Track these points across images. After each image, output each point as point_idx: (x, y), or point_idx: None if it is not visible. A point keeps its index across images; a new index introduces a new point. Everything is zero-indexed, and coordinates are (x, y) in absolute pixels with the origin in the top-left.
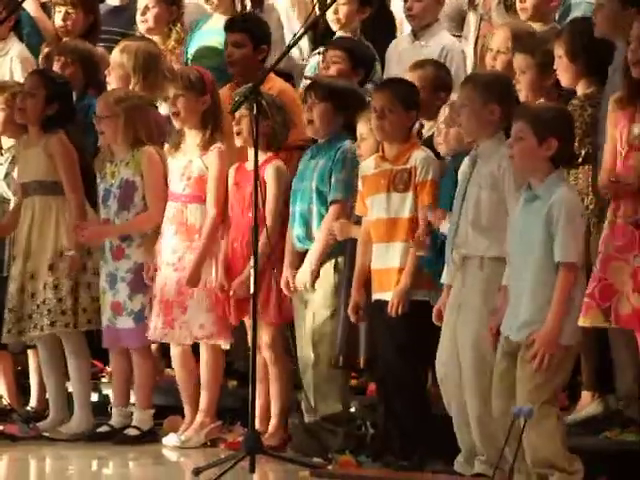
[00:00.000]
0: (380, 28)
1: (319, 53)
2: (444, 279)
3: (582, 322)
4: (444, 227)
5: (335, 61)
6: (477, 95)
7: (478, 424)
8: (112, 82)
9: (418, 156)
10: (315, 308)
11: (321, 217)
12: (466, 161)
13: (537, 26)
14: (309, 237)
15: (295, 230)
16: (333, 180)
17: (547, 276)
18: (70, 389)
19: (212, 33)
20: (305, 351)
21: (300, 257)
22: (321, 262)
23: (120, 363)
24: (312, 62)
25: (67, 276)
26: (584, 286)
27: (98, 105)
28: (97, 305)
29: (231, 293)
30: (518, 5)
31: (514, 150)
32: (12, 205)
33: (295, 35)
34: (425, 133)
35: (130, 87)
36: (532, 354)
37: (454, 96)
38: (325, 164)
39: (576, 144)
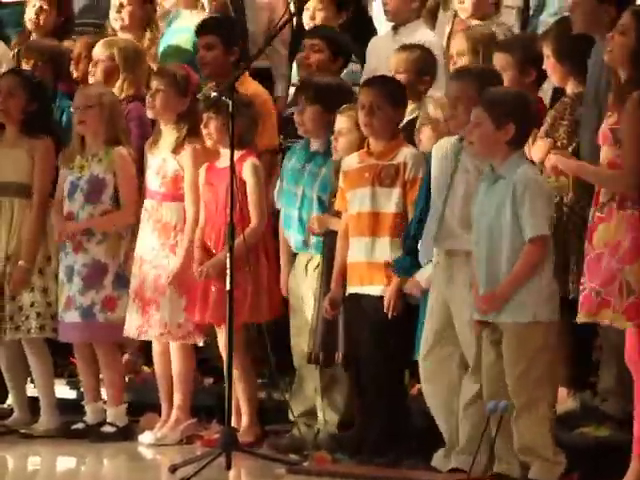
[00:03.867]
0: (358, 31)
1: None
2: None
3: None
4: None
5: (315, 50)
6: (471, 88)
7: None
8: (98, 76)
9: (408, 152)
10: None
11: None
12: (448, 151)
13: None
14: (307, 244)
15: (294, 236)
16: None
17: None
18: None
19: (180, 31)
20: (303, 345)
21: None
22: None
23: (84, 359)
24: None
25: (12, 289)
26: (551, 263)
27: (80, 96)
28: None
29: (200, 275)
30: (457, 6)
31: (472, 135)
32: None
33: (268, 36)
34: (407, 115)
35: (118, 82)
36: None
37: (432, 92)
38: (327, 173)
39: (565, 141)
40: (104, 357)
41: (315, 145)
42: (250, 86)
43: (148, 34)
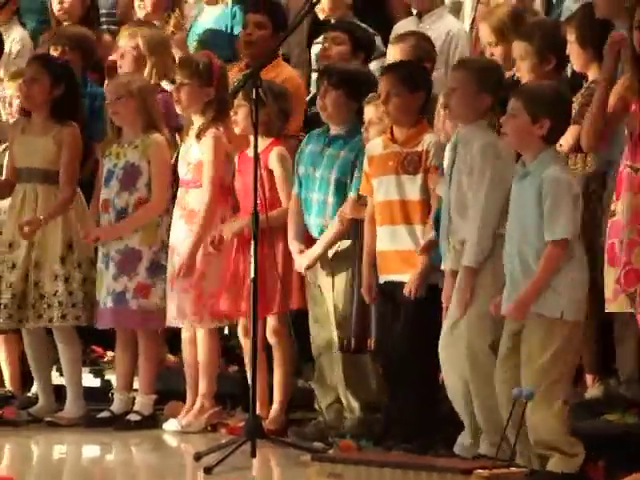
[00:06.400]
0: (373, 12)
1: (319, 43)
2: (446, 265)
3: (610, 308)
4: None
5: (337, 42)
6: (471, 80)
7: (481, 407)
8: (125, 66)
9: (431, 140)
10: (337, 293)
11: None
12: (448, 147)
13: None
14: (325, 228)
15: (313, 220)
16: (356, 174)
17: (542, 254)
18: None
19: (207, 24)
20: (324, 334)
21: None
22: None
23: (125, 347)
24: (314, 51)
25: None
26: (584, 262)
27: (110, 88)
28: None
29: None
30: None
31: (507, 126)
32: None
33: (292, 22)
34: None
35: (146, 71)
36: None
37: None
38: (347, 156)
39: None
40: (144, 343)
41: (336, 130)
42: (284, 70)
43: (172, 20)
